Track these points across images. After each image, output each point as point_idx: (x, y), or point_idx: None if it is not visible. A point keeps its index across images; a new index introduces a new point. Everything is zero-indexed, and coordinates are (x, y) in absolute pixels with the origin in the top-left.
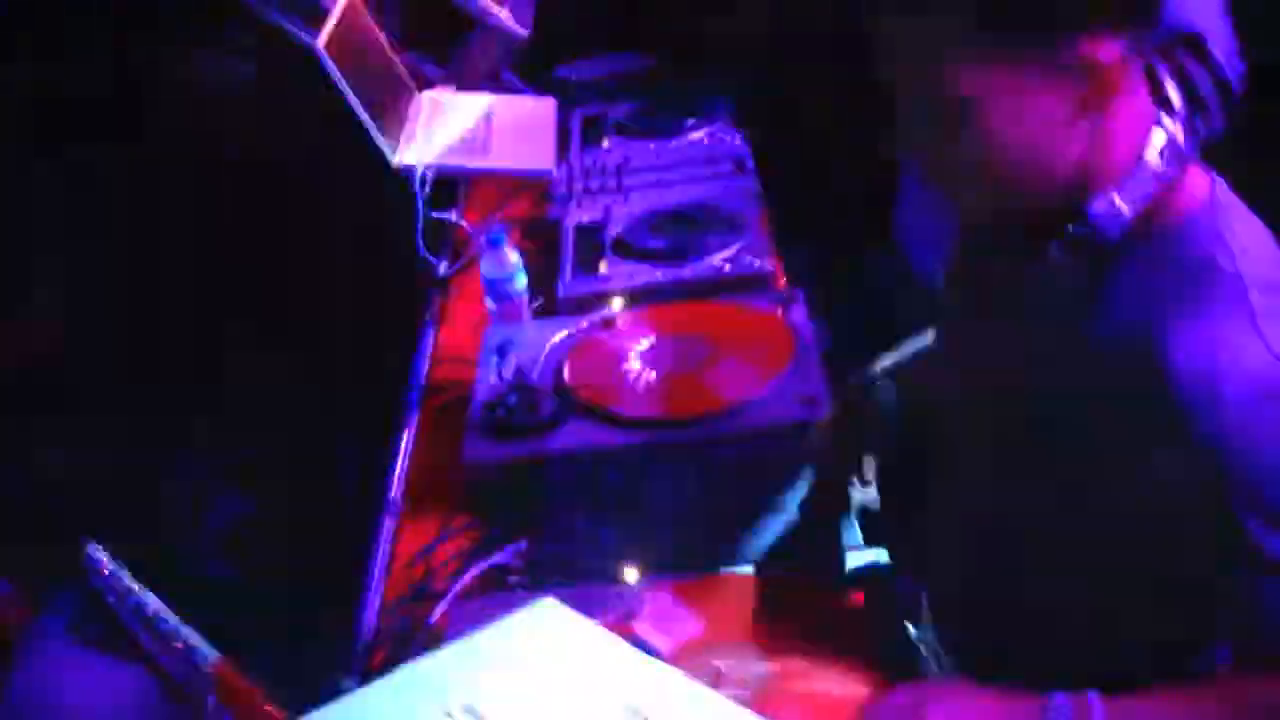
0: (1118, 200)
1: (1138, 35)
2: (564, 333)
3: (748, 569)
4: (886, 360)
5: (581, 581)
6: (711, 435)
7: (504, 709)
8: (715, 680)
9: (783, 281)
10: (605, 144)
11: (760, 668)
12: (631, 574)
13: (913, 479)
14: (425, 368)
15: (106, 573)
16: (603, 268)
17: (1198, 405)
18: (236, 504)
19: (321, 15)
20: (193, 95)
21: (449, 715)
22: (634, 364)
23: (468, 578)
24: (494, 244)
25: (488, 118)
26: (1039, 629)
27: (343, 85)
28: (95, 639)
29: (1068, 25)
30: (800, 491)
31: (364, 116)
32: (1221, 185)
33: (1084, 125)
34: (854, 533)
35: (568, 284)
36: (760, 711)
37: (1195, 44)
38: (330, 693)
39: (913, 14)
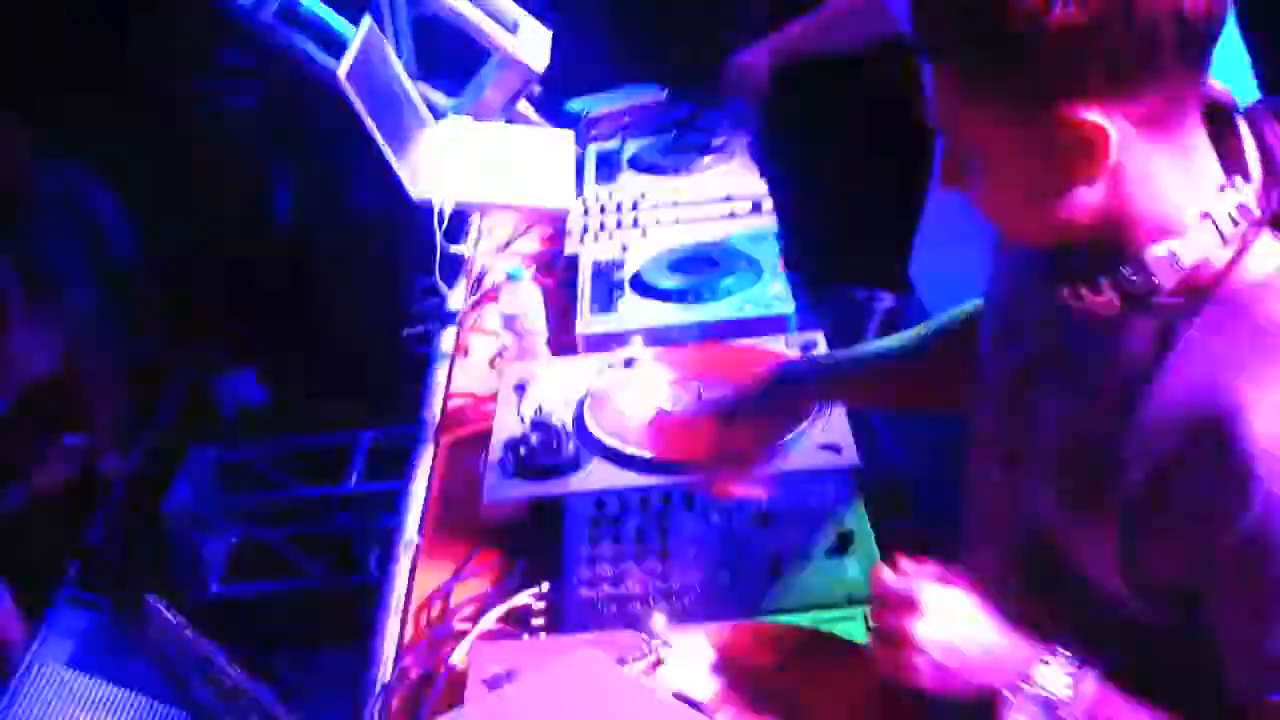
0: (1175, 248)
1: (1133, 103)
2: (585, 371)
3: (775, 617)
4: None
5: (606, 627)
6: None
7: None
8: None
9: (800, 324)
10: (620, 179)
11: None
12: (659, 620)
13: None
14: (440, 402)
15: (168, 623)
16: (621, 306)
17: (1273, 472)
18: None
19: (339, 44)
20: (210, 122)
21: None
22: (656, 405)
23: (489, 620)
24: (514, 279)
25: (506, 150)
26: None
27: (364, 115)
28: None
29: (1050, 90)
30: (824, 539)
31: (384, 147)
32: None
33: (1086, 187)
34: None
35: (587, 321)
36: None
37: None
38: None
39: (928, 55)
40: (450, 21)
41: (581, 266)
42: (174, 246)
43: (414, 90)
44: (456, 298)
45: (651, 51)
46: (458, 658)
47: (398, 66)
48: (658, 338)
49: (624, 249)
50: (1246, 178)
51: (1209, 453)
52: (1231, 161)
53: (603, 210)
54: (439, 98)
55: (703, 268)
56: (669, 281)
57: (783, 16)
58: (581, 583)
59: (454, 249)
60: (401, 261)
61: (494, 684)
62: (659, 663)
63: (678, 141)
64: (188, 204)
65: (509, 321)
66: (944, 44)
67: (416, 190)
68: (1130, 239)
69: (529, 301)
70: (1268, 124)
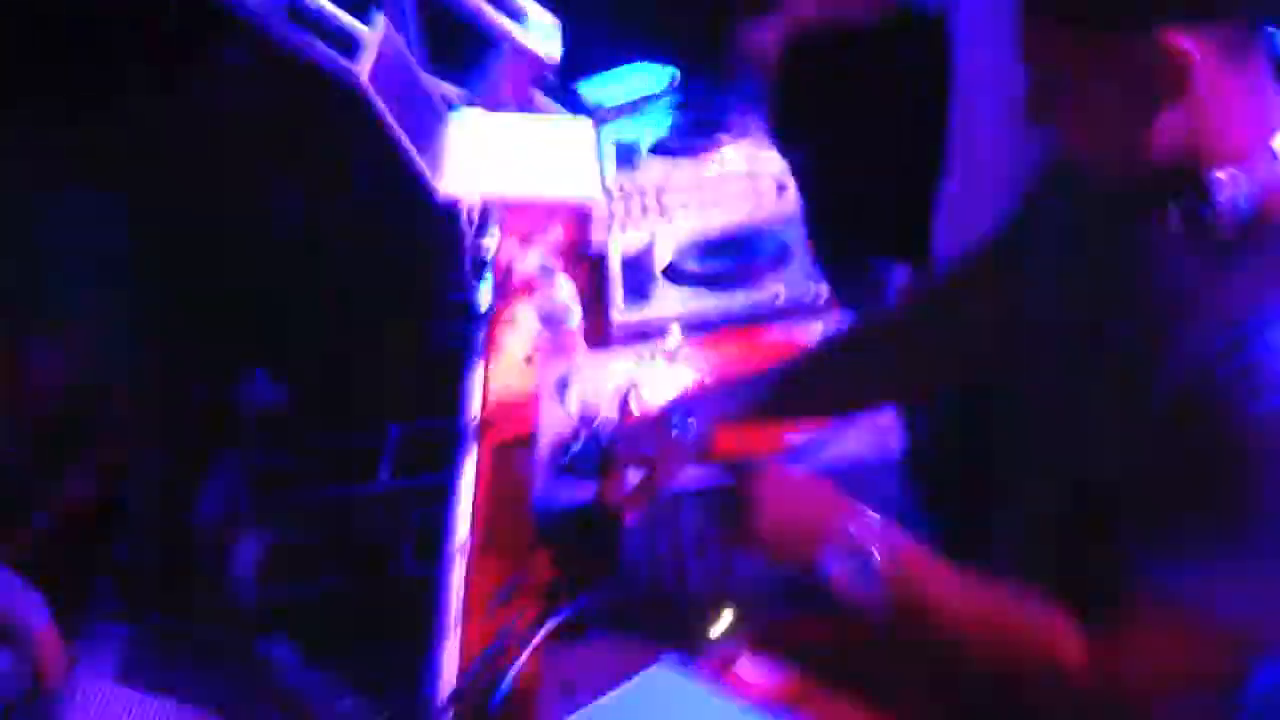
0: (1240, 176)
1: (1215, 27)
2: (627, 366)
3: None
4: None
5: (663, 635)
6: None
7: None
8: None
9: (836, 308)
10: (640, 164)
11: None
12: (718, 627)
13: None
14: (477, 403)
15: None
16: (654, 295)
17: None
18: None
19: (353, 42)
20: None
21: None
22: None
23: (547, 629)
24: (547, 275)
25: (526, 142)
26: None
27: (386, 115)
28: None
29: (1133, 17)
30: None
31: (407, 145)
32: None
33: (1170, 112)
34: None
35: (621, 311)
36: None
37: None
38: None
39: None
40: (456, 12)
41: (611, 256)
42: (180, 249)
43: (431, 85)
44: (484, 294)
45: (661, 26)
46: (524, 664)
47: (414, 62)
48: (693, 325)
49: (651, 236)
50: None
51: (1230, 354)
52: None
53: (626, 198)
54: (450, 90)
55: (734, 251)
56: (702, 267)
57: None
58: (638, 587)
59: (480, 245)
60: (420, 257)
61: (566, 692)
62: (730, 662)
63: (694, 123)
64: (189, 204)
65: (544, 316)
66: None
67: (442, 187)
68: (1202, 167)
69: (563, 295)
70: None
